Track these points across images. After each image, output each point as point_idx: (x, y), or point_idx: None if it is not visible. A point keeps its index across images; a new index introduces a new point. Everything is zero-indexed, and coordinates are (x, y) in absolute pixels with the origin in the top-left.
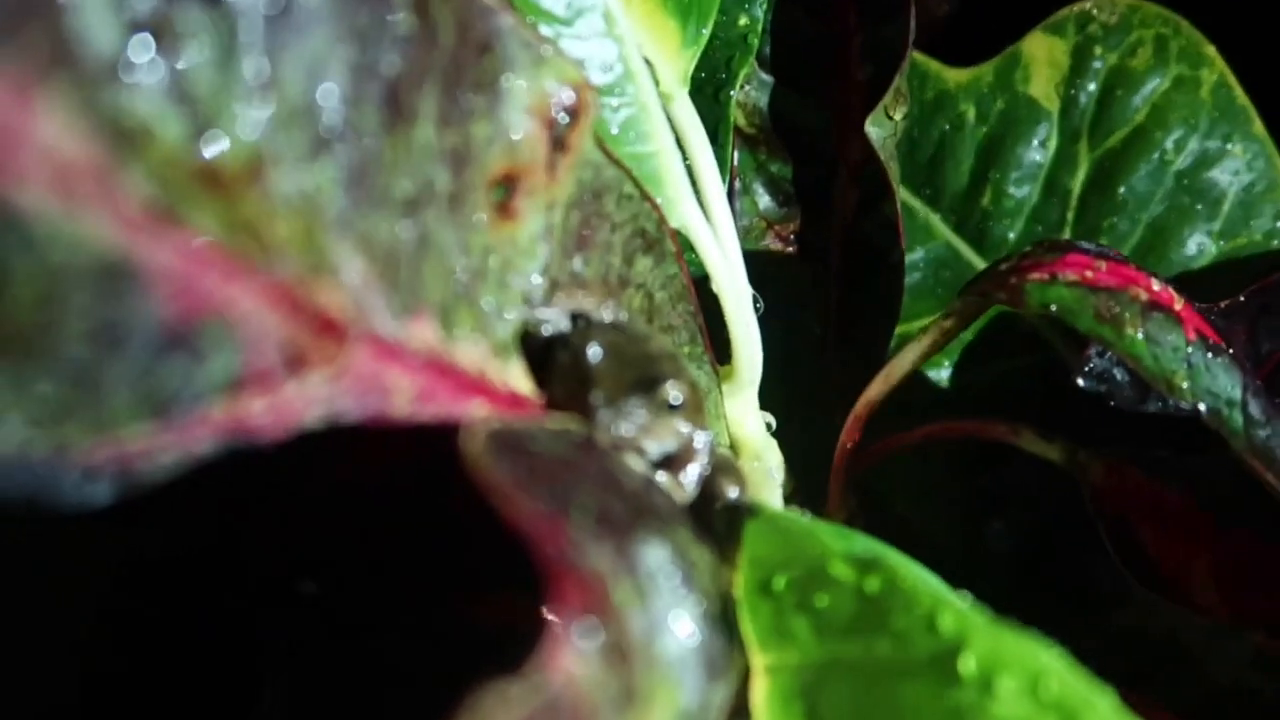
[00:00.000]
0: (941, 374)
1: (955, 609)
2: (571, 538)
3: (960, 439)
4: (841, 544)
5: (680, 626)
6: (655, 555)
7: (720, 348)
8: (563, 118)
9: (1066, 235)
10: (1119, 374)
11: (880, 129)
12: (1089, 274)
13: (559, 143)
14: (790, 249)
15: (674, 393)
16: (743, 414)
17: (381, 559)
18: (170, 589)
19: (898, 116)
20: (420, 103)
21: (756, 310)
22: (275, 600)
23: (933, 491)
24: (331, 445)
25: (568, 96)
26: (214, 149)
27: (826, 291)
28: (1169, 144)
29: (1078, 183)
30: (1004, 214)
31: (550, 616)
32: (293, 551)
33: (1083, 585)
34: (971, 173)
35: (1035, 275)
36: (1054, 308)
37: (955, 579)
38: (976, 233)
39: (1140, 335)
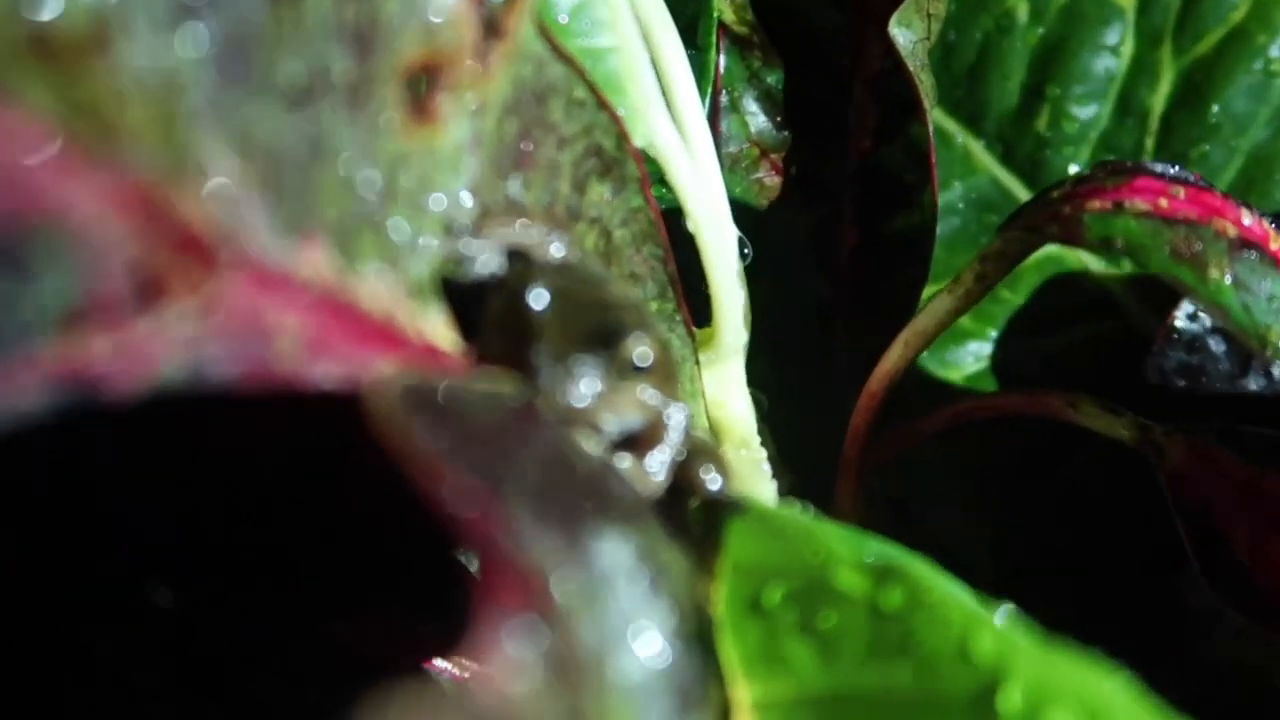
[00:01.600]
0: (982, 348)
1: (995, 629)
2: (507, 520)
3: (1000, 421)
4: (850, 548)
5: (644, 643)
6: (614, 552)
7: (698, 306)
8: None
9: None
10: (1214, 343)
11: (909, 31)
12: (1163, 202)
13: (491, 25)
14: (789, 184)
15: (638, 349)
16: (725, 390)
17: (262, 555)
18: None
19: (934, 13)
20: None
21: (744, 259)
22: (110, 611)
23: (964, 489)
24: (195, 403)
25: None
26: (47, 12)
27: (835, 239)
28: (1275, 50)
29: (1159, 100)
30: (1065, 140)
31: (478, 617)
32: (140, 546)
33: (1157, 606)
34: (1023, 88)
35: (1096, 204)
36: (1120, 243)
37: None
38: (1029, 164)
39: (1228, 279)
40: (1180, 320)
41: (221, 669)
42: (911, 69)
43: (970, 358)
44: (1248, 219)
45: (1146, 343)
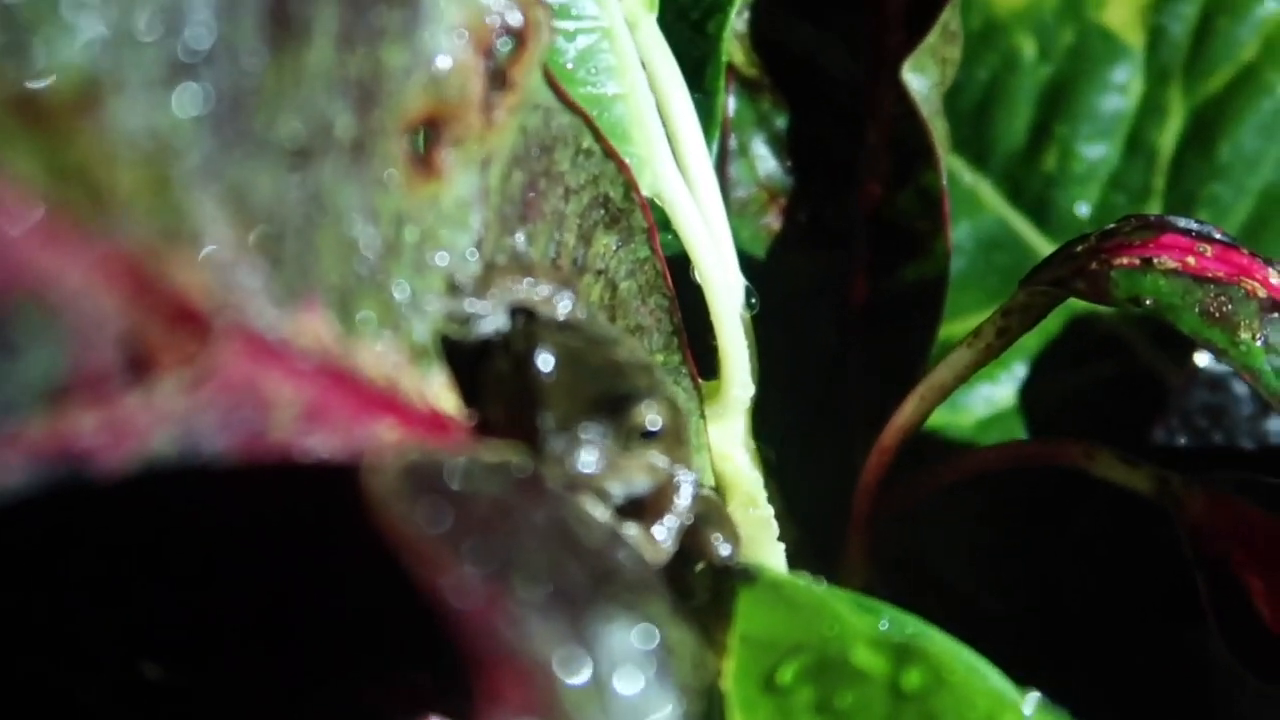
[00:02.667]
0: (994, 391)
1: (1021, 715)
2: (511, 613)
3: (1014, 472)
4: (867, 622)
5: None
6: (621, 639)
7: (703, 357)
8: (504, 43)
9: (1155, 208)
10: (1236, 384)
11: (923, 76)
12: (1191, 260)
13: (498, 76)
14: (798, 230)
15: (649, 416)
16: (731, 444)
17: (253, 634)
18: None
19: (949, 58)
20: (316, 15)
21: (751, 308)
22: (104, 689)
23: (978, 544)
24: (186, 478)
25: (512, 16)
26: (33, 71)
27: (845, 287)
28: None
29: (1169, 139)
30: (1073, 180)
31: (480, 715)
32: (130, 625)
33: (1174, 660)
34: (1031, 126)
35: (1123, 260)
36: (1149, 302)
37: (1011, 663)
38: (1037, 204)
39: (1259, 342)
40: (1203, 361)
41: None
42: (925, 115)
43: (981, 402)
44: (1275, 278)
45: (1159, 384)
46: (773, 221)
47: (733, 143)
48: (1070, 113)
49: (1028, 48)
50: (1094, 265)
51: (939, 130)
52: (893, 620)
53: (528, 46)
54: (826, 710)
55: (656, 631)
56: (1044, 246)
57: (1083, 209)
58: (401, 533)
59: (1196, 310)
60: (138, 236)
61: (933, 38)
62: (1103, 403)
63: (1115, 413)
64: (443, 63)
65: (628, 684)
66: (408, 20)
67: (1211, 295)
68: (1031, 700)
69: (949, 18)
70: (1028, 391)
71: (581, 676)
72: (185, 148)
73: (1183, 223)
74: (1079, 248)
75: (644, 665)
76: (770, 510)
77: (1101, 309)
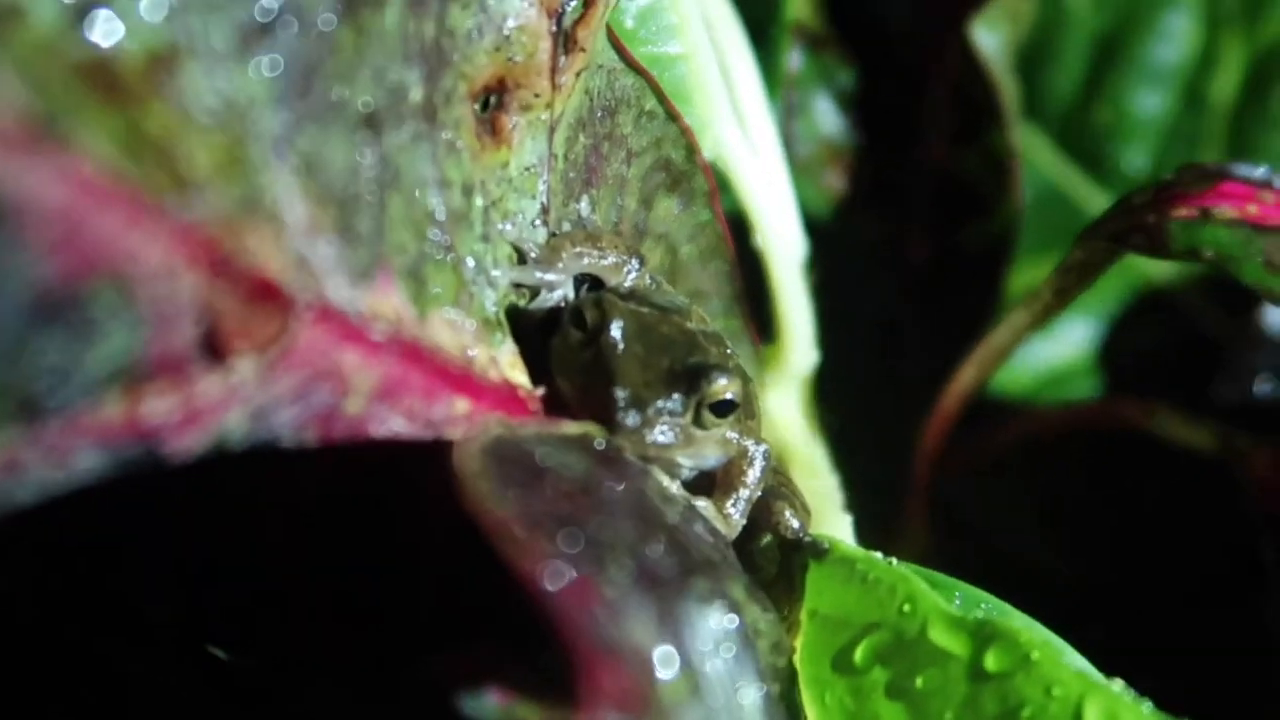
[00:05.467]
0: (1046, 349)
1: (1111, 697)
2: (605, 599)
3: (1075, 435)
4: (945, 601)
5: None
6: (711, 623)
7: (760, 322)
8: (572, 5)
9: (1213, 160)
10: None
11: (995, 33)
12: (1252, 209)
13: (566, 38)
14: (859, 189)
15: (730, 389)
16: (792, 412)
17: (322, 611)
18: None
19: (1021, 16)
20: None
21: (811, 272)
22: (170, 670)
23: (1037, 509)
24: (258, 458)
25: None
26: (105, 36)
27: (907, 247)
28: None
29: (1226, 89)
30: (1128, 132)
31: (581, 706)
32: (196, 605)
33: (1244, 633)
34: (1083, 78)
35: (1180, 211)
36: (1208, 253)
37: (1069, 629)
38: (1091, 158)
39: None
40: (1266, 319)
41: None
42: (994, 74)
43: (1037, 362)
44: None
45: (1217, 345)
46: (834, 180)
47: (794, 99)
48: (1123, 63)
49: None
50: (1151, 218)
51: (1010, 91)
52: (965, 596)
53: (595, 6)
54: (902, 691)
55: (741, 613)
56: (1098, 201)
57: (1138, 162)
58: (490, 512)
59: (1259, 260)
60: (216, 212)
61: None
62: (1163, 363)
63: (1176, 373)
64: (512, 25)
65: (717, 670)
66: None
67: (1274, 244)
68: (1117, 684)
69: None
70: (1086, 351)
71: (674, 667)
72: (260, 117)
73: (1242, 170)
74: (1137, 201)
75: (733, 650)
76: (834, 480)
77: (1150, 271)
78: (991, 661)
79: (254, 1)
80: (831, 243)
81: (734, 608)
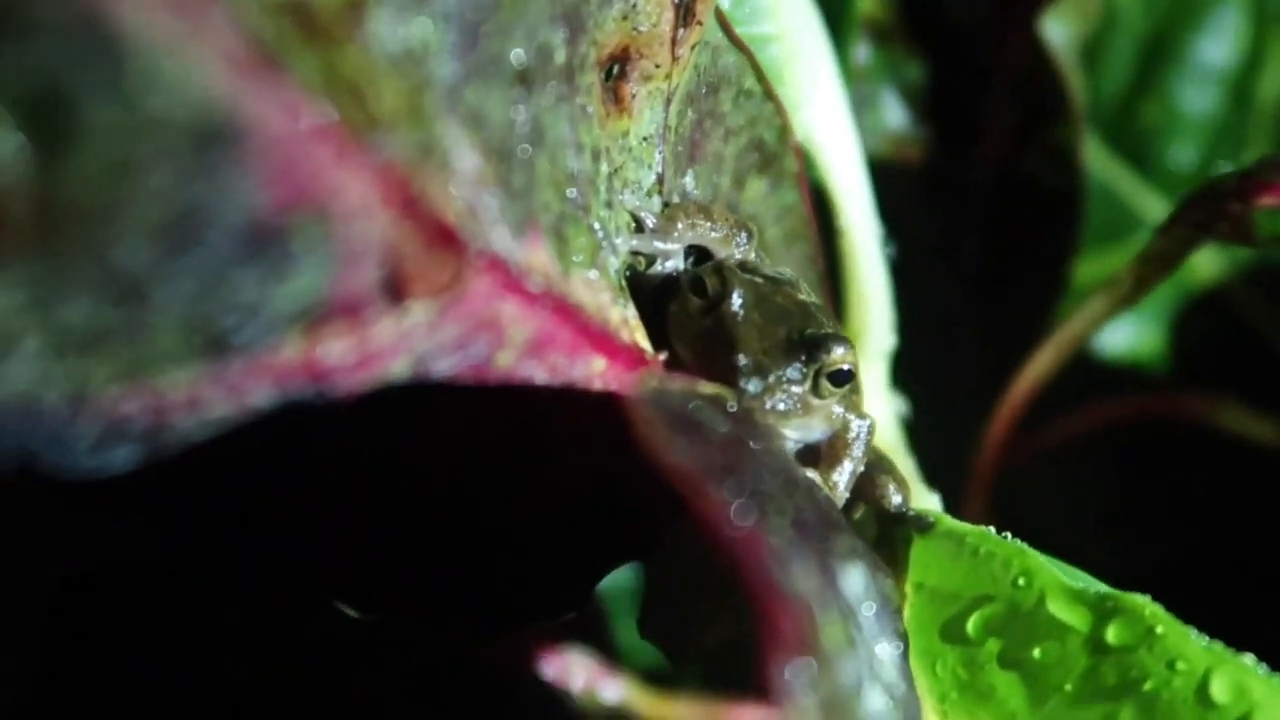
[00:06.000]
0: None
1: (1240, 669)
2: (772, 547)
3: (1136, 427)
4: (1066, 575)
5: (884, 675)
6: (854, 579)
7: (836, 307)
8: None
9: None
10: None
11: (1064, 27)
12: None
13: (686, 11)
14: (922, 182)
15: (848, 359)
16: (872, 394)
17: (478, 563)
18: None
19: (1090, 12)
20: None
21: (887, 257)
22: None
23: (1097, 502)
24: (418, 401)
25: None
26: None
27: (969, 242)
28: None
29: (1275, 88)
30: (1176, 130)
31: (763, 649)
32: (334, 556)
33: None
34: (1132, 76)
35: (1266, 200)
36: None
37: None
38: (1138, 155)
39: None
40: None
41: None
42: (1062, 69)
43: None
44: None
45: (1260, 337)
46: (898, 174)
47: (864, 92)
48: (1172, 61)
49: None
50: (1236, 207)
51: (1076, 86)
52: (1083, 574)
53: None
54: (1018, 662)
55: (875, 574)
56: (1146, 198)
57: (1185, 159)
58: (672, 463)
59: None
60: (404, 154)
61: None
62: (1218, 359)
63: (1231, 369)
64: None
65: (864, 627)
66: None
67: None
68: (1248, 658)
69: None
70: (1138, 349)
71: (834, 616)
72: (435, 66)
73: None
74: (1219, 189)
75: (870, 605)
76: (910, 462)
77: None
78: (1113, 635)
79: None
80: (892, 235)
81: (868, 569)
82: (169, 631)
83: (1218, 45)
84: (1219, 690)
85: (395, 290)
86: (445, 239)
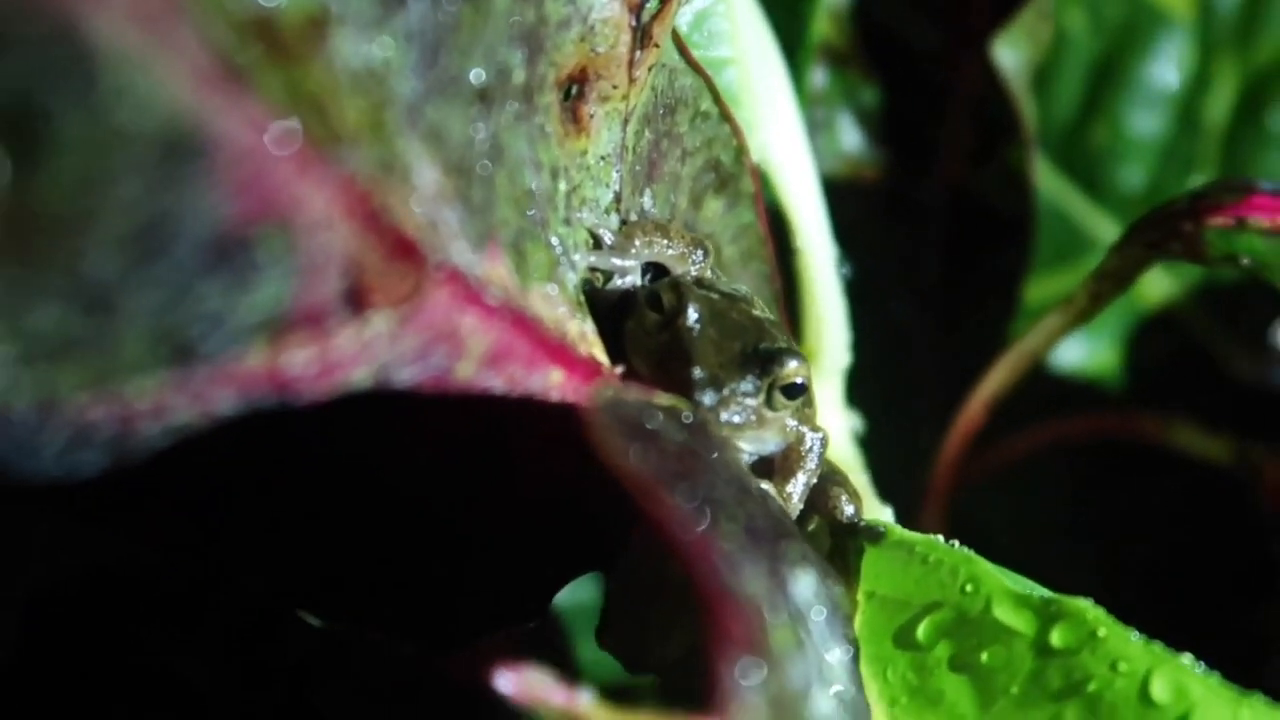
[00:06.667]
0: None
1: (1180, 671)
2: (723, 551)
3: (1088, 444)
4: (1012, 581)
5: (833, 679)
6: (805, 583)
7: (792, 325)
8: (650, 1)
9: (1208, 179)
10: None
11: (1016, 52)
12: None
13: (643, 33)
14: (878, 204)
15: (801, 372)
16: (825, 413)
17: (441, 568)
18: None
19: (1040, 38)
20: None
21: (843, 278)
22: (261, 634)
23: (1049, 518)
24: (378, 411)
25: None
26: None
27: (923, 262)
28: None
29: (1220, 111)
30: (1126, 152)
31: (711, 651)
32: (297, 564)
33: (1254, 645)
34: (1082, 100)
35: (1217, 220)
36: (1245, 261)
37: None
38: (1088, 177)
39: None
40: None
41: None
42: (1013, 94)
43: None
44: None
45: (1223, 361)
46: (854, 196)
47: (819, 116)
48: (1121, 86)
49: (1078, 22)
50: (1189, 226)
51: (1028, 110)
52: (1027, 581)
53: (670, 3)
54: (966, 666)
55: (825, 579)
56: (1096, 219)
57: (1134, 181)
58: (624, 463)
59: None
60: (364, 169)
61: (1028, 14)
62: (1169, 379)
63: (1187, 388)
64: (597, 17)
65: (812, 630)
66: None
67: None
68: (1186, 658)
69: None
70: (1089, 369)
71: (783, 619)
72: (396, 84)
73: (1268, 185)
74: (1173, 209)
75: (822, 610)
76: (865, 477)
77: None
78: (1057, 638)
79: None
80: (849, 256)
81: (819, 574)
82: (134, 644)
83: (1165, 69)
84: (1159, 690)
85: (357, 301)
86: (406, 251)
